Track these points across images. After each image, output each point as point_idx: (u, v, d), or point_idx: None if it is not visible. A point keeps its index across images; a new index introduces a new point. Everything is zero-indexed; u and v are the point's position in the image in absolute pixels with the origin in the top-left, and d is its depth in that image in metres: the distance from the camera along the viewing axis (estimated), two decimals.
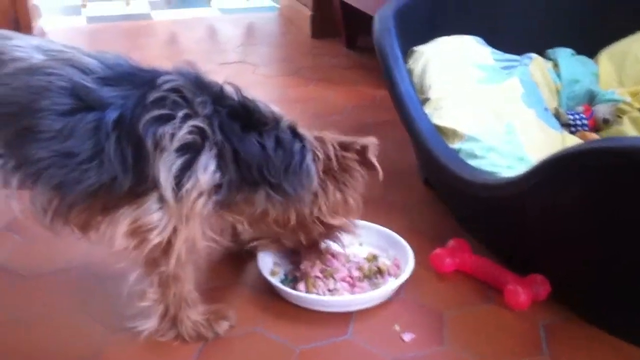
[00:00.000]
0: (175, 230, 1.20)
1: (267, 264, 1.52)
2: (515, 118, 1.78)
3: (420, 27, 2.02)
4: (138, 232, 1.20)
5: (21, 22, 2.94)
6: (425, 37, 2.00)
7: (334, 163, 1.32)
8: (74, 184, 1.17)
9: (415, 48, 1.97)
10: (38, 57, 1.19)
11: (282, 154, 1.25)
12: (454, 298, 1.46)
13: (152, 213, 1.18)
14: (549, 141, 1.77)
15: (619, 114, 1.94)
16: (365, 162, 1.34)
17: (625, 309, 1.33)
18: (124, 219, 1.19)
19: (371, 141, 1.33)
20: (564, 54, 2.16)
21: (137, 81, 1.20)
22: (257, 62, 3.08)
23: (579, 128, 1.94)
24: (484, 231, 1.64)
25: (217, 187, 1.21)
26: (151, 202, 1.18)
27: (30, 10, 3.03)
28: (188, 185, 1.17)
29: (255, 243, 1.49)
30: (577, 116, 1.95)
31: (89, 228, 1.26)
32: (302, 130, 1.31)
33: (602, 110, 1.95)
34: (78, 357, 1.28)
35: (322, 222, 1.38)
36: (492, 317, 1.40)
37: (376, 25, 1.88)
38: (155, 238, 1.19)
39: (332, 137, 1.34)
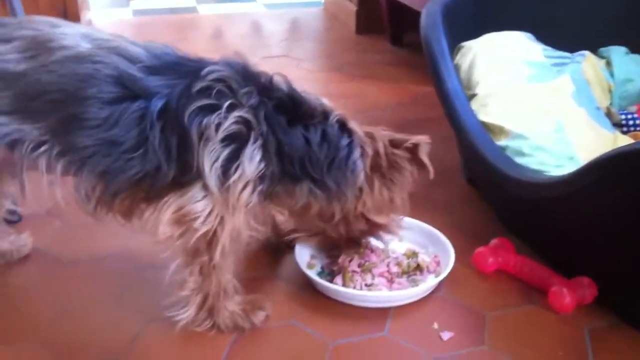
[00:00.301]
0: (221, 220, 1.19)
1: (305, 256, 1.50)
2: (565, 116, 1.72)
3: (468, 23, 1.98)
4: (183, 221, 1.19)
5: (69, 13, 2.98)
6: (473, 33, 1.95)
7: (383, 160, 1.28)
8: (118, 173, 1.17)
9: (463, 44, 1.93)
10: (85, 46, 1.19)
11: (327, 148, 1.23)
12: (496, 298, 1.42)
13: (197, 201, 1.18)
14: (600, 141, 1.71)
15: None
16: (416, 161, 1.30)
17: None
18: (168, 207, 1.19)
19: (423, 139, 1.28)
20: (617, 53, 2.08)
21: (183, 71, 1.20)
22: (301, 57, 3.06)
23: (631, 128, 1.86)
24: (528, 231, 1.59)
25: (261, 178, 1.19)
26: (196, 190, 1.18)
27: (78, 3, 3.07)
28: (235, 176, 1.16)
29: (294, 235, 1.47)
30: (629, 116, 1.87)
31: (132, 216, 1.26)
32: (352, 124, 1.27)
33: None
34: (113, 345, 1.28)
35: (366, 219, 1.35)
36: (535, 319, 1.36)
37: (423, 20, 1.84)
38: (201, 227, 1.19)
39: (384, 133, 1.30)
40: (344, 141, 1.25)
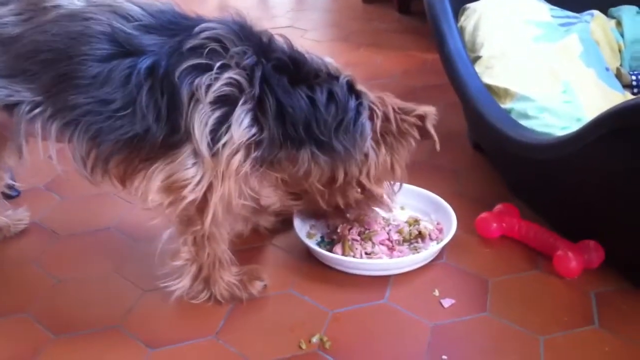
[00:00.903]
0: (210, 187, 1.15)
1: (304, 226, 1.47)
2: (573, 77, 1.67)
3: None
4: (172, 188, 1.16)
5: None
6: None
7: (393, 125, 1.23)
8: (109, 133, 1.13)
9: (467, 5, 1.87)
10: (78, 3, 1.16)
11: (335, 109, 1.17)
12: (500, 264, 1.38)
13: (186, 168, 1.14)
14: (609, 102, 1.64)
15: None
16: (422, 131, 1.25)
17: None
18: (157, 174, 1.15)
19: (430, 110, 1.24)
20: (628, 12, 2.01)
21: (177, 29, 1.16)
22: (307, 27, 3.01)
23: None
24: (535, 195, 1.55)
25: (257, 144, 1.15)
26: (185, 156, 1.14)
27: None
28: (223, 141, 1.12)
29: (292, 203, 1.43)
30: None
31: (127, 181, 1.23)
32: (361, 87, 1.23)
33: None
34: (108, 316, 1.26)
35: (362, 188, 1.31)
36: (540, 284, 1.32)
37: None
38: (189, 194, 1.15)
39: (393, 100, 1.26)
40: (353, 103, 1.19)
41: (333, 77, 1.19)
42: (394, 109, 1.23)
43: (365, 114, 1.21)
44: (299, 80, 1.16)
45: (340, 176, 1.24)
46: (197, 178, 1.15)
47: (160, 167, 1.16)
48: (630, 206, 1.25)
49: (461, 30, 1.81)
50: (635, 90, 1.82)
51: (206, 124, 1.11)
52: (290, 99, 1.14)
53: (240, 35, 1.15)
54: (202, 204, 1.18)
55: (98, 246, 1.47)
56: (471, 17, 1.82)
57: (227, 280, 1.28)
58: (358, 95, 1.21)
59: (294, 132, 1.16)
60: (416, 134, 1.25)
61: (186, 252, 1.24)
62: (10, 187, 1.58)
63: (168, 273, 1.27)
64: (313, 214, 1.45)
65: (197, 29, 1.13)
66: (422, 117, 1.24)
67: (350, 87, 1.21)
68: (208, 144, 1.12)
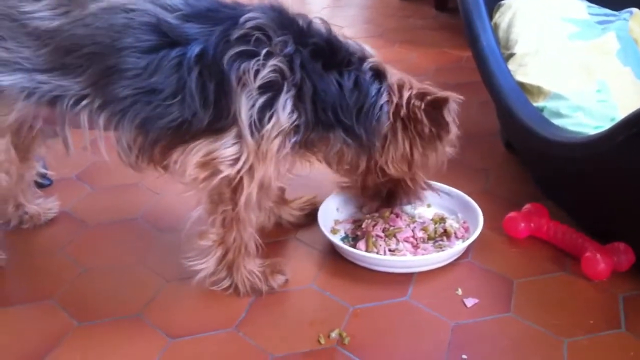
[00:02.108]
0: (250, 168, 1.18)
1: (328, 222, 1.46)
2: (609, 76, 1.63)
3: None
4: (211, 164, 1.18)
5: None
6: None
7: (404, 110, 1.23)
8: (157, 120, 1.16)
9: (502, 2, 1.84)
10: None
11: (358, 95, 1.20)
12: (526, 265, 1.36)
13: (228, 147, 1.17)
14: None
15: None
16: (437, 117, 1.23)
17: None
18: (198, 150, 1.18)
19: (452, 96, 1.22)
20: None
21: (220, 17, 1.18)
22: (343, 24, 2.99)
23: None
24: (565, 195, 1.51)
25: (296, 128, 1.18)
26: (229, 137, 1.16)
27: None
28: (269, 125, 1.15)
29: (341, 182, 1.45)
30: None
31: (168, 156, 1.23)
32: (387, 71, 1.24)
33: None
34: (131, 303, 1.28)
35: (384, 173, 1.30)
36: (567, 286, 1.29)
37: None
38: (227, 169, 1.17)
39: (416, 84, 1.26)
40: (374, 88, 1.21)
41: (363, 62, 1.21)
42: (410, 93, 1.22)
43: (382, 99, 1.22)
44: (332, 66, 1.20)
45: (363, 160, 1.28)
46: (237, 156, 1.17)
47: (203, 143, 1.18)
48: None
49: (495, 27, 1.79)
50: None
51: (253, 106, 1.15)
52: (323, 84, 1.18)
53: (281, 24, 1.17)
54: (238, 184, 1.19)
55: (124, 236, 1.49)
56: (506, 14, 1.79)
57: (249, 268, 1.28)
58: (381, 80, 1.23)
59: (324, 116, 1.20)
60: (425, 119, 1.23)
61: (214, 234, 1.25)
62: (43, 175, 1.61)
63: (194, 254, 1.27)
64: (357, 195, 1.46)
65: (241, 19, 1.16)
66: (437, 102, 1.22)
67: (376, 73, 1.23)
68: (254, 127, 1.15)
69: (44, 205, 1.54)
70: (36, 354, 1.16)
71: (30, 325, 1.24)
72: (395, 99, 1.22)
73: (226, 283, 1.29)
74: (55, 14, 1.17)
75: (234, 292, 1.29)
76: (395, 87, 1.23)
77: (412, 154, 1.26)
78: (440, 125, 1.23)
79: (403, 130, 1.24)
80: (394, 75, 1.26)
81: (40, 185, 1.60)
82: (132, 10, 1.16)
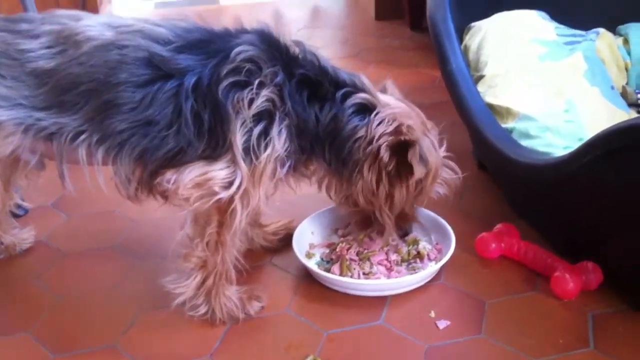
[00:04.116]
0: (244, 193, 1.20)
1: (303, 246, 1.48)
2: (577, 96, 1.66)
3: (480, 2, 1.91)
4: (205, 185, 1.19)
5: (88, 5, 3.00)
6: (487, 12, 1.89)
7: (373, 146, 1.24)
8: (155, 151, 1.19)
9: (473, 24, 1.87)
10: (108, 34, 1.21)
11: (333, 128, 1.23)
12: (497, 285, 1.38)
13: (222, 169, 1.19)
14: (614, 121, 1.62)
15: None
16: (402, 159, 1.24)
17: None
18: (192, 170, 1.19)
19: (420, 140, 1.22)
20: (635, 30, 1.99)
21: (212, 49, 1.20)
22: (319, 45, 2.97)
23: None
24: (535, 215, 1.54)
25: (288, 154, 1.22)
26: (223, 161, 1.19)
27: None
28: (265, 153, 1.18)
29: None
30: None
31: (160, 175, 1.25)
32: (379, 104, 1.24)
33: None
34: (107, 334, 1.28)
35: (355, 203, 1.32)
36: (537, 306, 1.31)
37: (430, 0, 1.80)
38: (221, 191, 1.19)
39: (405, 120, 1.24)
40: (352, 124, 1.23)
41: (348, 96, 1.23)
42: (384, 131, 1.23)
43: (359, 134, 1.23)
44: (315, 98, 1.22)
45: (340, 188, 1.31)
46: (230, 179, 1.19)
47: (198, 164, 1.20)
48: (628, 227, 1.24)
49: (465, 49, 1.82)
50: None
51: (249, 134, 1.17)
52: (305, 115, 1.21)
53: (271, 54, 1.20)
54: (228, 206, 1.21)
55: (101, 264, 1.49)
56: (476, 36, 1.82)
57: (227, 295, 1.29)
58: (365, 114, 1.24)
59: (309, 145, 1.24)
60: (389, 159, 1.23)
61: (197, 257, 1.26)
62: (18, 206, 1.61)
63: (174, 277, 1.28)
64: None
65: (233, 53, 1.18)
66: (402, 145, 1.23)
67: (361, 106, 1.24)
68: (249, 153, 1.18)
69: (20, 236, 1.54)
70: None
71: (5, 359, 1.23)
72: (369, 135, 1.23)
73: (203, 309, 1.29)
74: (52, 53, 1.21)
75: (211, 318, 1.29)
76: (374, 123, 1.23)
77: (377, 189, 1.27)
78: (404, 166, 1.24)
79: (370, 166, 1.25)
80: (385, 109, 1.25)
81: (15, 216, 1.60)
82: (125, 46, 1.19)
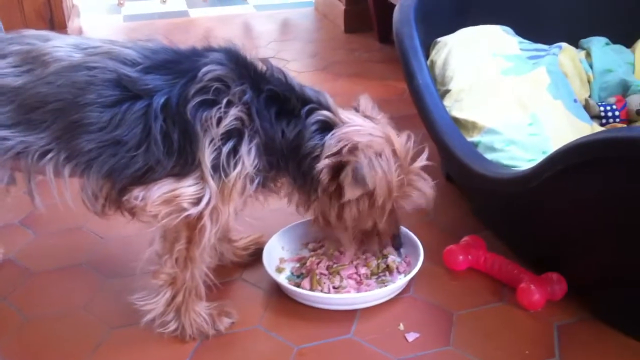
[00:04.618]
0: (214, 209, 1.21)
1: (273, 260, 1.48)
2: (541, 109, 1.70)
3: (446, 18, 1.95)
4: (174, 201, 1.20)
5: (56, 21, 2.98)
6: (453, 27, 1.92)
7: (320, 166, 1.24)
8: (123, 170, 1.19)
9: (438, 39, 1.91)
10: (77, 55, 1.21)
11: (297, 145, 1.24)
12: (465, 297, 1.40)
13: (191, 186, 1.19)
14: (577, 133, 1.67)
15: None
16: (336, 180, 1.24)
17: None
18: (160, 187, 1.20)
19: (353, 162, 1.21)
20: (597, 43, 2.05)
21: (179, 69, 1.21)
22: (289, 58, 3.04)
23: (610, 120, 1.83)
24: (501, 227, 1.57)
25: (257, 171, 1.22)
26: (191, 178, 1.19)
27: (65, 10, 3.06)
28: (235, 171, 1.19)
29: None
30: (608, 107, 1.84)
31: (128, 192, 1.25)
32: (339, 122, 1.24)
33: (635, 101, 1.84)
34: (76, 353, 1.28)
35: (316, 220, 1.34)
36: (504, 317, 1.34)
37: (396, 15, 1.83)
38: (190, 207, 1.19)
39: (357, 139, 1.23)
40: (313, 142, 1.24)
41: (311, 113, 1.24)
42: (329, 152, 1.23)
43: (316, 152, 1.24)
44: (283, 114, 1.23)
45: (306, 204, 1.31)
46: (199, 195, 1.20)
47: (166, 181, 1.20)
48: (588, 241, 1.27)
49: (432, 64, 1.85)
50: (604, 121, 1.85)
51: (218, 153, 1.18)
52: (274, 132, 1.22)
53: (239, 73, 1.21)
54: (196, 222, 1.21)
55: (69, 282, 1.48)
56: (442, 51, 1.85)
57: (197, 311, 1.30)
58: (325, 133, 1.24)
59: (276, 162, 1.25)
60: (327, 179, 1.23)
61: (166, 273, 1.26)
62: None
63: (143, 294, 1.28)
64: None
65: (200, 73, 1.18)
66: (337, 165, 1.23)
67: (323, 125, 1.24)
68: (217, 171, 1.18)
69: None
70: None
71: None
72: (321, 155, 1.24)
73: (172, 326, 1.29)
74: (19, 72, 1.21)
75: (181, 335, 1.29)
76: (326, 143, 1.23)
77: (330, 207, 1.28)
78: (338, 186, 1.24)
79: (321, 184, 1.25)
80: (342, 128, 1.25)
81: None
82: (94, 67, 1.20)
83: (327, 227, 1.34)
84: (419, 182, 1.33)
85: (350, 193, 1.22)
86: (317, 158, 1.23)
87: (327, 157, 1.23)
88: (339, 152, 1.23)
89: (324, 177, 1.24)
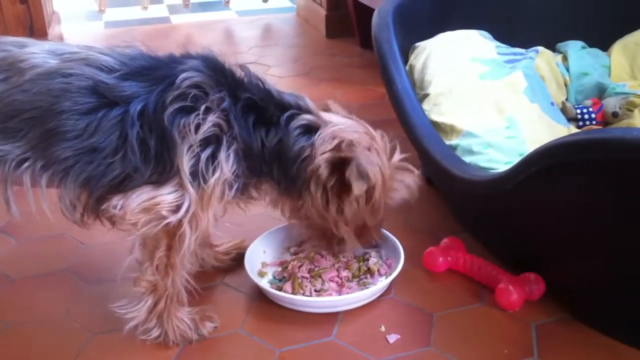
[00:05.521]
0: (193, 216, 1.21)
1: (255, 264, 1.49)
2: (518, 113, 1.72)
3: (425, 23, 1.97)
4: (153, 209, 1.20)
5: (35, 28, 2.98)
6: (432, 32, 1.95)
7: (315, 164, 1.25)
8: (100, 178, 1.19)
9: (417, 44, 1.93)
10: (52, 62, 1.21)
11: (278, 151, 1.24)
12: (445, 298, 1.42)
13: (170, 194, 1.20)
14: (554, 136, 1.70)
15: (629, 107, 1.86)
16: (340, 177, 1.26)
17: (628, 310, 1.26)
18: (139, 195, 1.20)
19: (355, 157, 1.23)
20: (574, 47, 2.09)
21: (157, 76, 1.21)
22: (270, 63, 3.06)
23: (587, 122, 1.86)
24: (479, 229, 1.59)
25: (236, 177, 1.23)
26: (170, 185, 1.20)
27: (46, 17, 3.06)
28: (213, 178, 1.19)
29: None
30: (584, 110, 1.87)
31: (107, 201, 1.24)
32: (323, 124, 1.26)
33: (611, 104, 1.87)
34: (59, 359, 1.28)
35: (308, 221, 1.35)
36: (483, 318, 1.35)
37: (374, 20, 1.85)
38: (169, 215, 1.20)
39: (349, 136, 1.26)
40: (298, 145, 1.25)
41: (292, 118, 1.25)
42: (324, 149, 1.24)
43: (305, 154, 1.25)
44: (261, 122, 1.24)
45: (293, 207, 1.32)
46: (178, 203, 1.20)
47: (145, 189, 1.20)
48: (564, 242, 1.29)
49: (410, 69, 1.87)
50: (580, 123, 1.88)
51: (197, 159, 1.18)
52: (251, 140, 1.23)
53: (216, 80, 1.21)
54: (175, 230, 1.22)
55: (50, 289, 1.48)
56: (420, 56, 1.88)
57: (179, 317, 1.30)
58: (311, 135, 1.25)
59: (258, 167, 1.25)
60: (328, 177, 1.25)
61: (146, 281, 1.26)
62: None
63: (125, 302, 1.28)
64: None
65: (178, 80, 1.19)
66: (339, 163, 1.25)
67: (306, 128, 1.25)
68: (196, 178, 1.19)
69: None
70: None
71: None
72: (313, 154, 1.25)
73: (155, 332, 1.30)
74: None
75: (164, 341, 1.30)
76: (317, 142, 1.25)
77: (327, 205, 1.29)
78: (342, 183, 1.26)
79: (316, 184, 1.27)
80: (328, 127, 1.26)
81: None
82: (70, 74, 1.19)
83: (321, 225, 1.34)
84: (403, 174, 1.36)
85: (358, 189, 1.24)
86: (308, 158, 1.25)
87: (324, 153, 1.24)
88: (336, 148, 1.25)
89: (323, 172, 1.25)
